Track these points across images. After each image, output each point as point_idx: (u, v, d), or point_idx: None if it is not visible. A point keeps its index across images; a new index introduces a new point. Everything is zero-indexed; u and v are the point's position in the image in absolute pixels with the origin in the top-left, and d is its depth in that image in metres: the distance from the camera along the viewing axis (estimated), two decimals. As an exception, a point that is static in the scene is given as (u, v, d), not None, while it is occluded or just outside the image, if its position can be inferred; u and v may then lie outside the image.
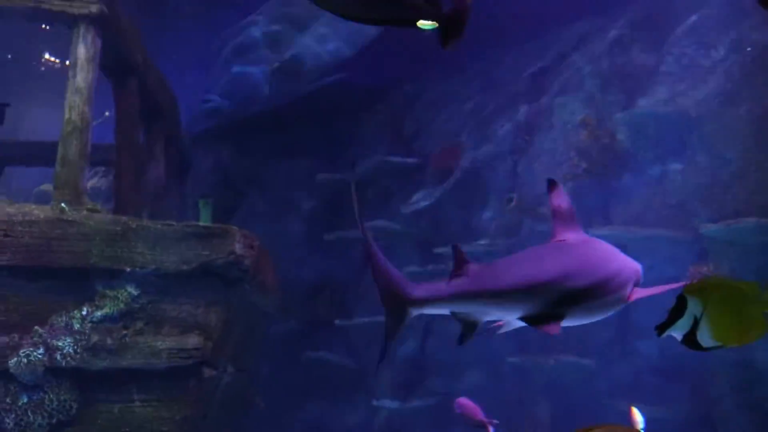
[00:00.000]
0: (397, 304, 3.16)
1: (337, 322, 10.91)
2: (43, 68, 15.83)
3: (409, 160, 11.17)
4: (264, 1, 13.41)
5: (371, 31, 12.20)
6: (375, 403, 10.05)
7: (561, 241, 3.45)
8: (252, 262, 6.91)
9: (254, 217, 12.28)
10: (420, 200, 10.61)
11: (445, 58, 11.28)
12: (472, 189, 10.47)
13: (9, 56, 14.17)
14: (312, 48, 12.81)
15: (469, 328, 3.16)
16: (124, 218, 6.78)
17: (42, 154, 10.56)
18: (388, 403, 9.91)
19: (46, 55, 15.73)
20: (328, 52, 12.70)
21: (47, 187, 17.62)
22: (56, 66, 15.88)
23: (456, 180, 10.57)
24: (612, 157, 9.00)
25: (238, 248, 6.80)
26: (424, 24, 2.73)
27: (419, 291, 3.16)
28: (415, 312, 3.18)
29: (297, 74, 12.85)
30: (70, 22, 7.03)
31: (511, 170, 10.31)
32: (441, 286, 3.16)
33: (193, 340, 6.70)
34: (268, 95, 12.82)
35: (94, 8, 6.92)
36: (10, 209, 6.65)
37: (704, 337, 2.49)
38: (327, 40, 12.74)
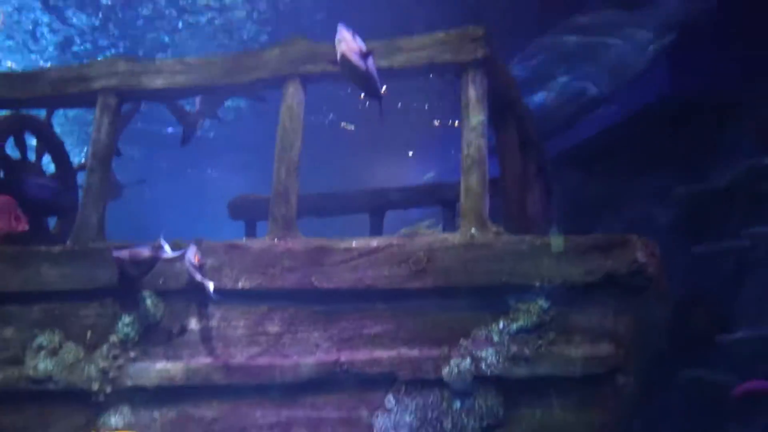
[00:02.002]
0: None
1: (718, 338, 10.44)
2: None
3: (784, 159, 10.42)
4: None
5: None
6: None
7: None
8: (655, 270, 7.01)
9: (610, 238, 12.30)
10: (805, 201, 9.83)
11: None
12: None
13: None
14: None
15: None
16: (528, 237, 7.34)
17: (413, 197, 11.96)
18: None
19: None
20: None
21: (406, 230, 19.72)
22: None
23: None
24: None
25: (641, 256, 6.96)
26: None
27: None
28: None
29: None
30: (459, 69, 7.88)
31: None
32: None
33: (605, 348, 6.98)
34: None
35: (480, 53, 7.71)
36: (429, 238, 7.62)
37: None
38: None
